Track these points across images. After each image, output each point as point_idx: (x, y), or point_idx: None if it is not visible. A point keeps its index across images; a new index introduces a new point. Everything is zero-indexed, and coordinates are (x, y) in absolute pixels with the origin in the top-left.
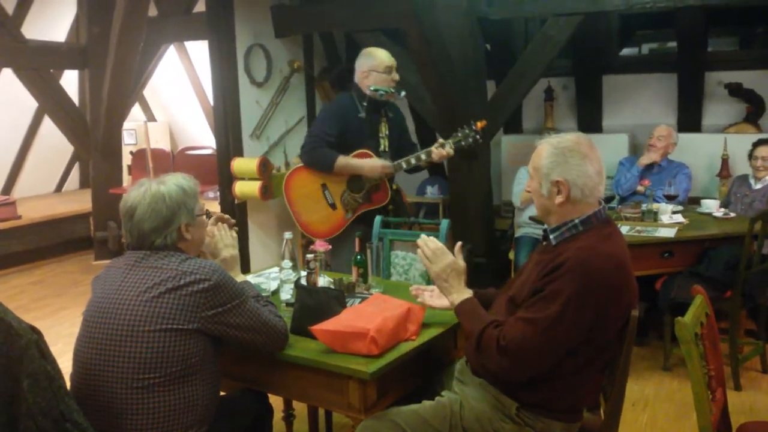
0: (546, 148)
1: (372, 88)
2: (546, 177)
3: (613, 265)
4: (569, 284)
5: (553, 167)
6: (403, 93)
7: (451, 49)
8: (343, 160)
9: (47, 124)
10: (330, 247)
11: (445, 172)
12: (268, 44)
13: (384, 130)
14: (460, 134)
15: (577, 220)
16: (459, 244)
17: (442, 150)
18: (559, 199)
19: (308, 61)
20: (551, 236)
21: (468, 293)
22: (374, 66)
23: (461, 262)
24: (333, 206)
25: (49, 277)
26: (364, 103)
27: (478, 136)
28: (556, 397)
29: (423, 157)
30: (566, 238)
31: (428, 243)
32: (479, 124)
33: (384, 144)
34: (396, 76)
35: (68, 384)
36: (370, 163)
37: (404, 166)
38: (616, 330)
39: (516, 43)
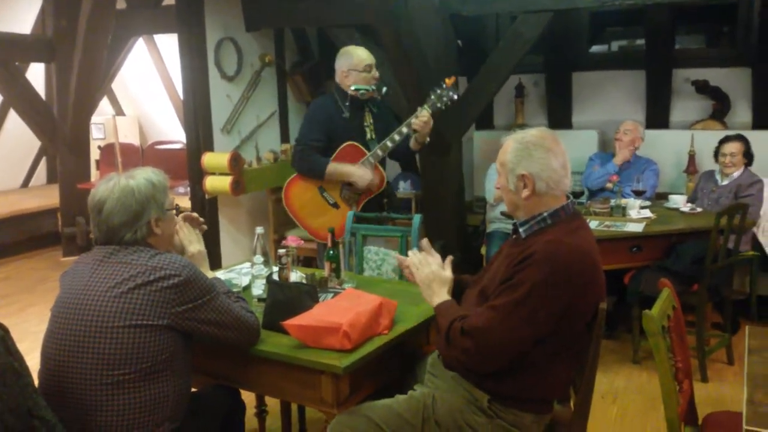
0: (511, 143)
1: (353, 88)
2: (512, 172)
3: (580, 257)
4: (535, 274)
5: (518, 162)
6: (384, 89)
7: (424, 46)
8: (332, 168)
9: (13, 118)
10: (302, 242)
11: (418, 167)
12: (238, 38)
13: (369, 119)
14: (433, 96)
15: (545, 214)
16: (449, 258)
17: (420, 117)
18: (525, 192)
19: (280, 55)
20: (521, 230)
21: (447, 298)
22: (353, 65)
23: (447, 274)
24: (335, 205)
25: (16, 274)
26: (347, 103)
27: (451, 93)
28: (526, 388)
29: (404, 130)
30: (535, 231)
31: (415, 255)
32: (448, 81)
33: (370, 133)
34: (376, 74)
35: (36, 381)
36: (359, 174)
37: (389, 144)
38: (584, 322)
39: (487, 40)
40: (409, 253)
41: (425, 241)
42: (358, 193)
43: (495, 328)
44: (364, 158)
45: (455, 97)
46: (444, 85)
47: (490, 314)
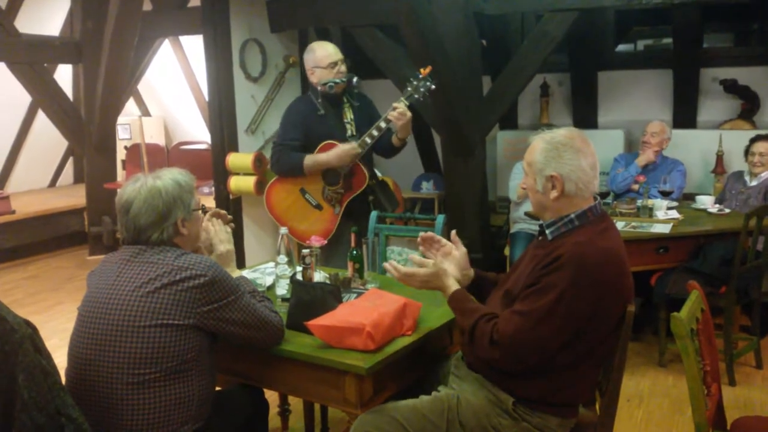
0: (539, 143)
1: (321, 83)
2: (540, 172)
3: (609, 259)
4: (564, 278)
5: (547, 162)
6: (356, 79)
7: (447, 45)
8: (310, 159)
9: (41, 119)
10: (326, 242)
11: (441, 167)
12: (263, 39)
13: (348, 115)
14: (409, 88)
15: (572, 215)
16: (453, 232)
17: (396, 110)
18: (553, 194)
19: (302, 57)
20: (547, 231)
21: (455, 286)
22: (317, 61)
23: (455, 254)
24: (319, 207)
25: (43, 272)
26: (320, 100)
27: (428, 83)
28: (552, 391)
29: (382, 125)
30: (562, 233)
31: (396, 270)
32: (423, 71)
33: (350, 129)
34: (342, 68)
35: (63, 379)
36: (335, 152)
37: (368, 141)
38: (612, 325)
39: (512, 39)
40: (388, 268)
41: (453, 234)
42: (341, 192)
43: (524, 336)
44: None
45: (432, 87)
46: (419, 75)
47: (519, 321)
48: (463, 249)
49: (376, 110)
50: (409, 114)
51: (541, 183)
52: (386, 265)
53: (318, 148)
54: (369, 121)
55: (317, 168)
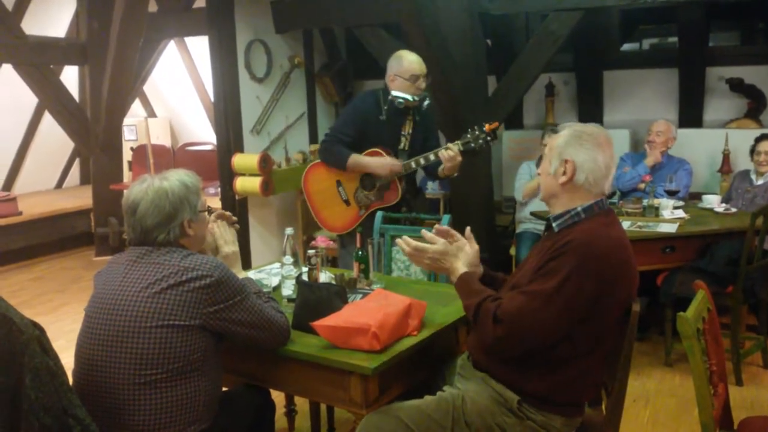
0: (567, 130)
1: (393, 94)
2: (558, 155)
3: (615, 247)
4: (570, 262)
5: (567, 147)
6: (426, 102)
7: (451, 45)
8: (354, 159)
9: (48, 120)
10: (332, 243)
11: None
12: (268, 40)
13: (408, 129)
14: (469, 136)
15: (579, 208)
16: (468, 229)
17: (447, 151)
18: (563, 178)
19: (308, 57)
20: (554, 224)
21: (463, 269)
22: (400, 72)
23: (468, 249)
24: (347, 202)
25: (50, 273)
26: (386, 107)
27: (489, 138)
28: (556, 387)
29: (431, 157)
30: (569, 225)
31: (408, 243)
32: (488, 126)
33: (404, 142)
34: (422, 85)
35: (70, 380)
36: (379, 162)
37: (413, 165)
38: (615, 316)
39: (517, 39)
40: (399, 243)
41: (468, 231)
42: (371, 199)
43: (527, 314)
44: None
45: (491, 144)
46: (483, 128)
47: (523, 300)
48: (476, 246)
49: (434, 126)
50: (459, 159)
51: (555, 166)
52: (398, 240)
53: (366, 152)
54: (424, 137)
55: (358, 169)
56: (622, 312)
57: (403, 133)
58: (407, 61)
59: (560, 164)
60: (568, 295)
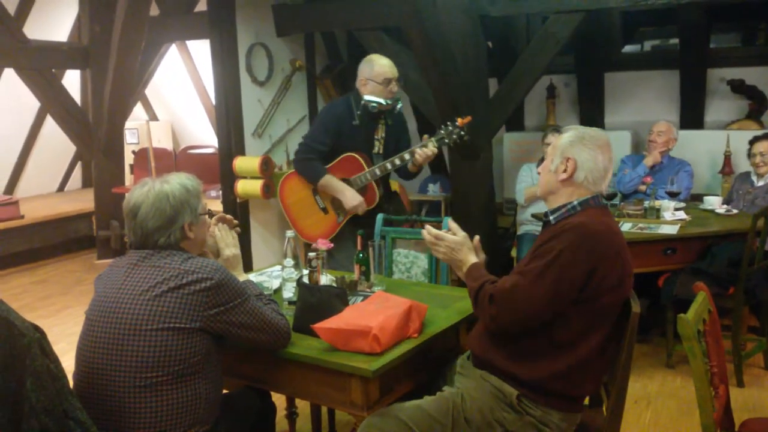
0: (571, 131)
1: (366, 99)
2: (560, 153)
3: (608, 232)
4: (563, 241)
5: (570, 146)
6: (400, 105)
7: (452, 47)
8: (326, 180)
9: (49, 124)
10: (333, 245)
11: (447, 169)
12: (269, 43)
13: (381, 133)
14: (443, 131)
15: (575, 202)
16: (477, 238)
17: (425, 149)
18: (563, 175)
19: (310, 60)
20: (551, 216)
21: (474, 260)
22: (372, 76)
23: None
24: (324, 210)
25: (51, 277)
26: (359, 111)
27: (462, 133)
28: (554, 378)
29: (406, 156)
30: (565, 217)
31: (429, 231)
32: (461, 121)
33: (378, 146)
34: (395, 88)
35: (71, 383)
36: (350, 194)
37: (389, 167)
38: (609, 300)
39: (518, 41)
40: (423, 232)
41: (476, 240)
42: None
43: (519, 290)
44: (362, 174)
45: (465, 138)
46: (456, 123)
47: (516, 278)
48: (483, 256)
49: (406, 131)
50: (435, 152)
51: (556, 163)
52: (423, 230)
53: (339, 158)
54: (396, 140)
55: (329, 191)
56: (617, 300)
57: (376, 137)
58: (379, 65)
59: (562, 161)
60: (559, 268)
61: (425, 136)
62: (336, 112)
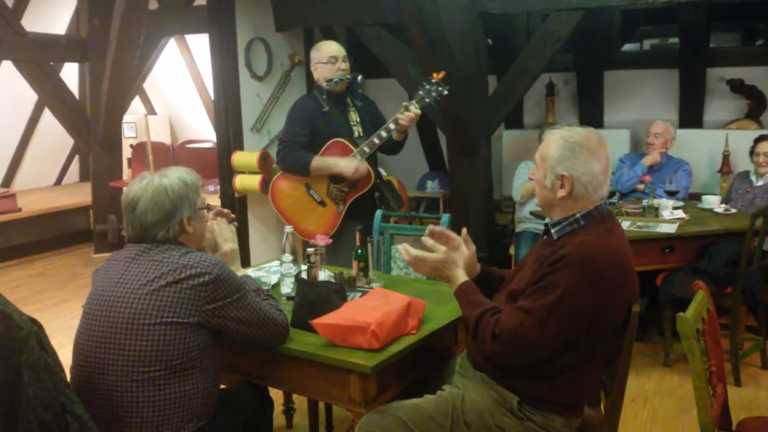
0: (556, 139)
1: (327, 79)
2: (552, 169)
3: (614, 260)
4: (568, 277)
5: (561, 161)
6: (360, 77)
7: (452, 44)
8: (317, 161)
9: (47, 117)
10: (331, 241)
11: (446, 166)
12: (268, 38)
13: (354, 117)
14: (421, 92)
15: (578, 215)
16: (464, 230)
17: (407, 113)
18: (561, 193)
19: (309, 55)
20: (552, 231)
21: (464, 278)
22: (318, 58)
23: (464, 250)
24: (322, 203)
25: (49, 270)
26: (324, 97)
27: (440, 88)
28: (556, 391)
29: (391, 126)
30: (567, 233)
31: (408, 252)
32: (436, 75)
33: (358, 130)
34: (343, 65)
35: (68, 376)
36: (344, 162)
37: (377, 141)
38: (616, 326)
39: (517, 38)
40: (401, 252)
41: (464, 232)
42: (345, 191)
43: (525, 333)
44: (351, 155)
45: (445, 92)
46: (432, 80)
47: (521, 317)
48: (473, 247)
49: (378, 110)
50: (419, 113)
51: (551, 180)
52: (399, 246)
53: (325, 146)
54: (371, 121)
55: (323, 171)
56: (623, 320)
57: (352, 123)
58: (323, 45)
59: (556, 178)
60: (566, 311)
61: (405, 103)
62: (303, 104)
